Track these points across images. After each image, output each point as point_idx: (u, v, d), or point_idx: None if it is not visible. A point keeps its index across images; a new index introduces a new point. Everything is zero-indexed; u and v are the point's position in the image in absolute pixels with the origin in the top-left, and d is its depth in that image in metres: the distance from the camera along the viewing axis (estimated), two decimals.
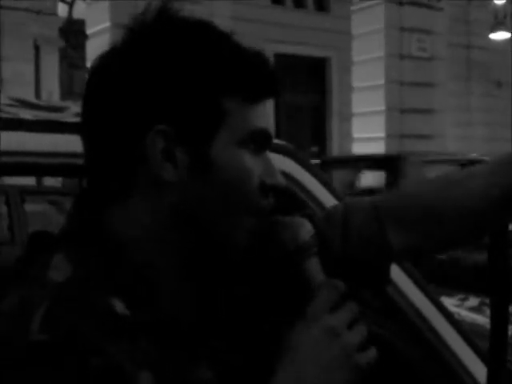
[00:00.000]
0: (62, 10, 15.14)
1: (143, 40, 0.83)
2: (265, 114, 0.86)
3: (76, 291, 0.75)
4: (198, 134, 0.81)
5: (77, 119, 1.23)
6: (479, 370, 1.43)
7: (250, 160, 0.84)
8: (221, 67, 0.82)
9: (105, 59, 0.85)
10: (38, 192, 7.88)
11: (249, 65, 0.84)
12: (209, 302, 0.89)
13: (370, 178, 6.98)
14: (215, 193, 0.82)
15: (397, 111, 11.30)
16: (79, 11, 14.09)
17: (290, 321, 0.84)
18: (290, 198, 1.35)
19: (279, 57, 13.51)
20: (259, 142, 0.85)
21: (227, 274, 0.92)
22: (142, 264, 0.82)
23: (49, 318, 0.72)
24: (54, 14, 14.65)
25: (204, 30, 0.85)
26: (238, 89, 0.83)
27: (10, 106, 1.23)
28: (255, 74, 0.84)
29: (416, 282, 1.42)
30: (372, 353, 0.83)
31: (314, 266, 0.88)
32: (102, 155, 0.84)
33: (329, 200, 1.36)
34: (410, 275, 1.42)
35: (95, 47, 8.86)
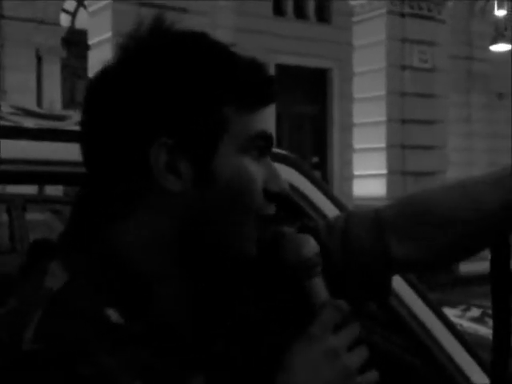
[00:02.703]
0: (64, 20, 15.21)
1: (139, 55, 0.84)
2: (263, 119, 0.86)
3: (70, 300, 0.75)
4: (200, 144, 0.81)
5: (79, 128, 1.23)
6: (481, 381, 1.43)
7: (252, 166, 0.84)
8: (217, 77, 0.82)
9: (103, 75, 0.85)
10: (40, 201, 7.89)
11: (245, 73, 0.84)
12: (208, 311, 0.88)
13: None
14: (220, 201, 0.82)
15: (398, 122, 11.29)
16: (82, 21, 14.14)
17: (291, 337, 0.83)
18: (292, 208, 1.34)
19: (281, 67, 13.53)
20: (260, 146, 0.85)
21: (229, 283, 0.91)
22: (140, 273, 0.81)
23: (42, 327, 0.72)
24: (57, 24, 14.71)
25: (199, 41, 0.85)
26: (235, 97, 0.83)
27: (13, 114, 1.23)
28: (252, 81, 0.84)
29: (418, 293, 1.42)
30: (372, 375, 0.82)
31: (318, 285, 0.86)
32: (104, 166, 0.84)
33: (331, 210, 1.36)
34: (413, 286, 1.41)
35: (97, 57, 8.88)
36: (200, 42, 0.85)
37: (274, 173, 0.87)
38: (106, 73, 0.85)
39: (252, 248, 0.85)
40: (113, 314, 0.76)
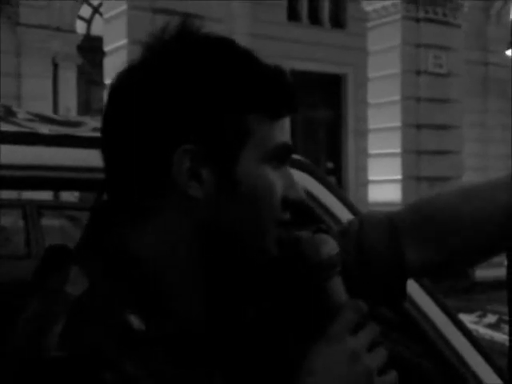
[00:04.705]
0: (80, 27, 15.31)
1: (165, 58, 0.83)
2: (284, 129, 0.86)
3: (93, 307, 0.75)
4: (223, 152, 0.81)
5: (94, 134, 1.23)
6: None
7: (272, 175, 0.84)
8: (244, 85, 0.82)
9: (125, 78, 0.85)
10: (55, 207, 7.93)
11: (271, 82, 0.84)
12: (228, 317, 0.88)
13: None
14: (240, 209, 0.82)
15: (413, 127, 11.26)
16: (97, 28, 14.23)
17: (310, 339, 0.83)
18: (307, 214, 1.34)
19: (296, 73, 13.53)
20: (281, 156, 0.85)
21: (249, 288, 0.92)
22: (161, 279, 0.81)
23: (67, 335, 0.72)
24: (73, 31, 14.81)
25: (226, 47, 0.85)
26: (261, 106, 0.83)
27: (29, 120, 1.23)
28: (277, 90, 0.84)
29: (434, 299, 1.41)
30: (392, 376, 0.82)
31: (337, 285, 0.86)
32: (125, 172, 0.83)
33: (346, 215, 1.35)
34: (428, 292, 1.40)
35: (112, 64, 8.92)
36: (227, 48, 0.85)
37: (291, 181, 0.87)
38: (129, 74, 0.85)
39: (270, 253, 0.85)
40: (134, 321, 0.76)
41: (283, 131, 0.86)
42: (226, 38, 0.86)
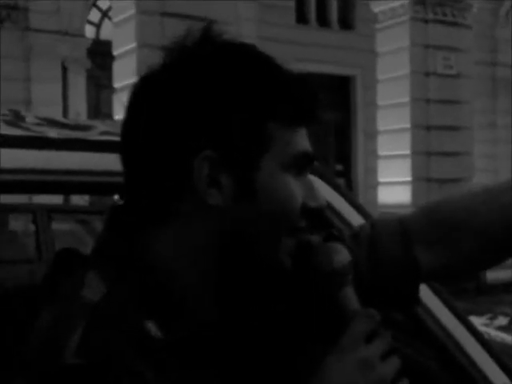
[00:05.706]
0: (89, 31, 15.37)
1: (186, 64, 0.83)
2: (305, 137, 0.86)
3: (112, 313, 0.75)
4: (243, 159, 0.80)
5: (103, 137, 1.24)
6: None
7: (293, 184, 0.83)
8: (267, 92, 0.81)
9: (146, 83, 0.84)
10: (65, 211, 7.95)
11: (292, 89, 0.83)
12: (239, 320, 0.88)
13: None
14: (259, 216, 0.81)
15: (423, 129, 11.23)
16: (106, 32, 14.28)
17: (323, 348, 0.83)
18: (322, 219, 1.34)
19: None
20: (302, 164, 0.85)
21: (265, 296, 0.91)
22: (177, 286, 0.81)
23: (86, 342, 0.72)
24: (82, 35, 14.87)
25: (248, 53, 0.84)
26: (283, 114, 0.82)
27: (38, 124, 1.24)
28: (298, 98, 0.84)
29: (445, 302, 1.40)
30: None
31: (349, 293, 0.86)
32: (144, 178, 0.83)
33: (357, 219, 1.35)
34: (439, 295, 1.40)
35: (122, 68, 8.95)
36: (248, 55, 0.84)
37: (312, 189, 0.86)
38: (150, 79, 0.84)
39: (283, 264, 0.85)
40: (152, 328, 0.76)
41: (305, 139, 0.85)
42: (248, 43, 0.86)
